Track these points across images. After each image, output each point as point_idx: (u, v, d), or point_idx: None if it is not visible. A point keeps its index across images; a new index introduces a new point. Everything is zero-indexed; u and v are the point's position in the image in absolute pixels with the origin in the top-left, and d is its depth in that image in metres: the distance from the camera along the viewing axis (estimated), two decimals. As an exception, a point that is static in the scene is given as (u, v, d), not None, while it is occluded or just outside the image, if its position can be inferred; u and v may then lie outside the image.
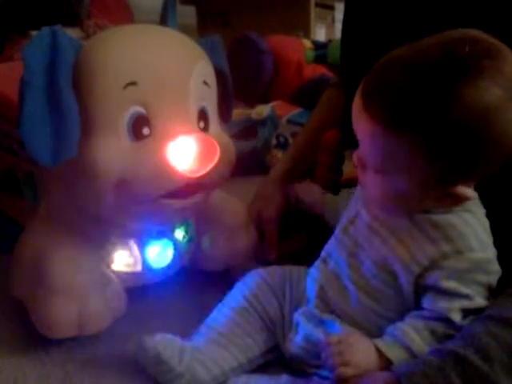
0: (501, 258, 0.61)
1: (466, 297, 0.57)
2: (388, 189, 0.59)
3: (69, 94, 0.63)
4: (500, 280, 0.60)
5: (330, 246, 0.69)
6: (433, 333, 0.57)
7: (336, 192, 0.86)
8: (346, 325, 0.63)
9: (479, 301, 0.58)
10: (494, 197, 0.63)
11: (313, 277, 0.69)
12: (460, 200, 0.57)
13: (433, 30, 0.72)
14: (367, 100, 0.56)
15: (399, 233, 0.61)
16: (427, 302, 0.59)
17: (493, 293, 0.59)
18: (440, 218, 0.59)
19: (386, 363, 0.57)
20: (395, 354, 0.57)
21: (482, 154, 0.53)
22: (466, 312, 0.57)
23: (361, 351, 0.58)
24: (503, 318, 0.54)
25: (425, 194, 0.57)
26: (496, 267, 0.59)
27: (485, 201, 0.62)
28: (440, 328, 0.57)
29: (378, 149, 0.57)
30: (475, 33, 0.54)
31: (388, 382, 0.54)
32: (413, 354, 0.57)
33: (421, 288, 0.60)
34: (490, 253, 0.59)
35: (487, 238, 0.60)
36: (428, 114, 0.52)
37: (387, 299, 0.62)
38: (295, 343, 0.67)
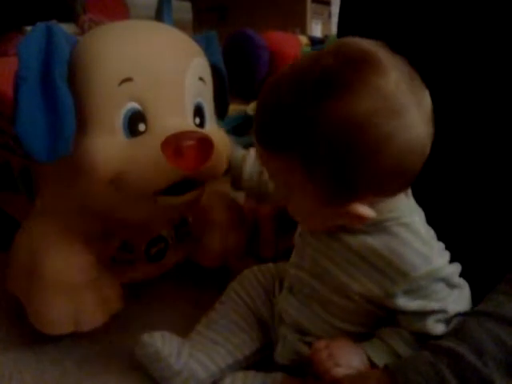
0: (483, 255, 0.62)
1: (439, 311, 0.56)
2: (294, 209, 0.59)
3: (64, 90, 0.63)
4: (488, 277, 0.59)
5: (292, 277, 0.67)
6: (419, 339, 0.57)
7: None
8: None
9: (453, 308, 0.57)
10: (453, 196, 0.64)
11: (283, 308, 0.67)
12: (360, 219, 0.55)
13: (427, 24, 0.73)
14: (254, 121, 0.57)
15: (344, 264, 0.59)
16: (402, 323, 0.58)
17: (484, 290, 0.58)
18: (377, 242, 0.56)
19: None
20: (382, 357, 0.57)
21: (354, 168, 0.51)
22: (446, 320, 0.57)
23: (350, 352, 0.58)
24: (496, 314, 0.54)
25: (321, 212, 0.56)
26: (449, 269, 0.57)
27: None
28: (425, 337, 0.57)
29: (269, 170, 0.58)
30: (350, 41, 0.53)
31: (381, 379, 0.53)
32: (399, 358, 0.56)
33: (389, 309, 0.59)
34: (437, 261, 0.57)
35: (429, 249, 0.56)
36: (297, 131, 0.51)
37: (358, 319, 0.61)
38: (284, 356, 0.66)
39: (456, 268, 0.59)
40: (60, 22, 0.68)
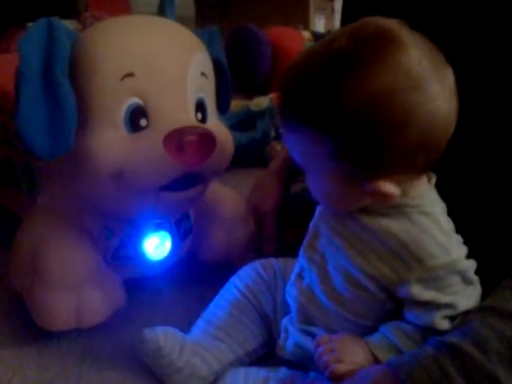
0: (491, 250, 0.61)
1: (448, 306, 0.56)
2: (317, 188, 0.59)
3: (65, 86, 0.63)
4: (494, 273, 0.58)
5: (302, 260, 0.66)
6: (423, 336, 0.56)
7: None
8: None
9: (464, 304, 0.56)
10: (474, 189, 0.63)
11: (291, 294, 0.67)
12: (386, 197, 0.55)
13: (431, 25, 0.72)
14: (280, 98, 0.58)
15: (359, 244, 0.59)
16: (409, 315, 0.58)
17: (488, 286, 0.58)
18: (395, 225, 0.57)
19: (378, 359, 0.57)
20: (385, 353, 0.57)
21: (380, 143, 0.52)
22: (453, 317, 0.56)
23: (353, 347, 0.57)
24: (501, 309, 0.54)
25: (347, 191, 0.57)
26: (466, 264, 0.57)
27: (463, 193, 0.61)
28: (430, 334, 0.56)
29: (294, 146, 0.58)
30: (368, 20, 0.54)
31: (383, 374, 0.53)
32: (402, 353, 0.56)
33: (398, 299, 0.58)
34: (456, 253, 0.56)
35: (448, 240, 0.56)
36: (321, 108, 0.52)
37: (365, 310, 0.60)
38: (286, 349, 0.66)
39: (472, 264, 0.58)
40: (62, 18, 0.68)
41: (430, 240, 0.56)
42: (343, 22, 0.92)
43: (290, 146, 0.59)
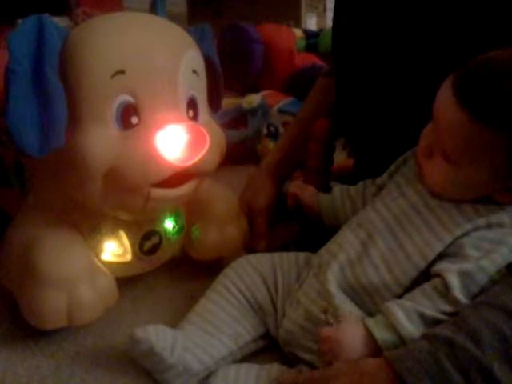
0: None
1: (474, 264, 0.58)
2: (457, 178, 0.61)
3: (55, 83, 0.62)
4: None
5: (365, 216, 0.68)
6: (422, 316, 0.57)
7: (327, 182, 0.86)
8: (353, 305, 0.63)
9: (485, 269, 0.58)
10: None
11: (338, 244, 0.68)
12: None
13: (423, 20, 0.73)
14: (460, 91, 0.59)
15: (443, 217, 0.62)
16: (437, 264, 0.60)
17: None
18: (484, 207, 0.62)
19: (377, 347, 0.57)
20: (382, 334, 0.57)
21: None
22: (465, 278, 0.58)
23: (349, 345, 0.58)
24: (496, 303, 0.54)
25: (492, 185, 0.60)
26: None
27: None
28: (430, 311, 0.57)
29: (461, 139, 0.59)
30: None
31: (380, 368, 0.54)
32: (399, 336, 0.57)
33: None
34: None
35: None
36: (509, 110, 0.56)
37: (403, 278, 0.62)
38: (294, 320, 0.67)
39: None
40: (54, 15, 0.67)
41: (506, 216, 0.61)
42: (335, 20, 0.92)
43: (453, 137, 0.60)
